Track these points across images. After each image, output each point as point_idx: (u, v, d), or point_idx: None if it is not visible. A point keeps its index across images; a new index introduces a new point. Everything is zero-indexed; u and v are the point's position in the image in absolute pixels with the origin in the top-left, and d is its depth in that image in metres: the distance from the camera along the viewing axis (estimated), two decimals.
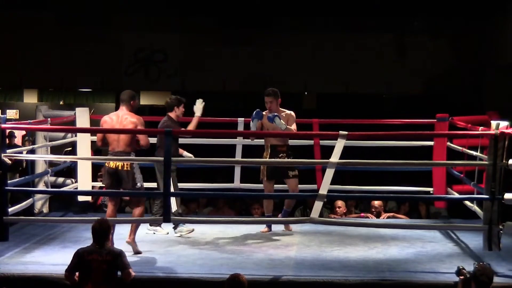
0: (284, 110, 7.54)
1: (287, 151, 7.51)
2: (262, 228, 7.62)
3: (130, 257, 5.55)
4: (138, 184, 6.57)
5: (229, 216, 8.84)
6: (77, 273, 5.38)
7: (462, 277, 5.18)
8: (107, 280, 5.30)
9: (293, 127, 7.47)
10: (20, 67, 13.41)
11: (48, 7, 13.32)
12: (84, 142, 8.30)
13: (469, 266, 5.58)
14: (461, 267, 5.24)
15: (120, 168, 6.51)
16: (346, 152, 6.33)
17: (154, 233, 7.48)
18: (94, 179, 8.59)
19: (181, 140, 7.93)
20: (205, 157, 7.27)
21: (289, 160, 7.45)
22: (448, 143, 8.06)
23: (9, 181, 6.49)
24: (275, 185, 7.67)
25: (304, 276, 5.87)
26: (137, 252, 6.54)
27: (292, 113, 7.54)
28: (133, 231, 6.61)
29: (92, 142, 8.55)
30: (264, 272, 5.92)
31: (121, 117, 6.62)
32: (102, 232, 5.43)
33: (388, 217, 8.67)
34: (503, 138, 6.07)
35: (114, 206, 6.70)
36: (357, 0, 12.98)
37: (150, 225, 7.51)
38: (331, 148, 6.36)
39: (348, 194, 8.22)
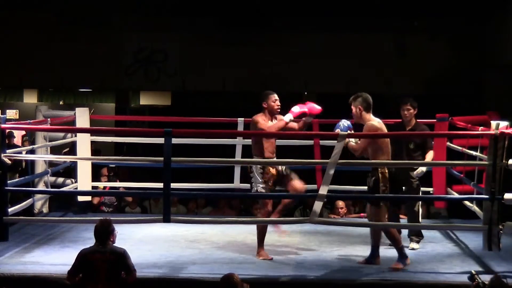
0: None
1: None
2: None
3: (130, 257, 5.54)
4: (254, 189, 6.59)
5: (229, 216, 8.85)
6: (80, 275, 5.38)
7: (475, 282, 5.09)
8: (110, 280, 5.28)
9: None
10: (20, 67, 13.40)
11: (49, 7, 13.31)
12: (84, 142, 8.29)
13: (469, 267, 5.60)
14: (474, 272, 5.14)
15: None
16: (346, 152, 6.33)
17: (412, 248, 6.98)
18: (94, 179, 8.58)
19: (181, 140, 7.93)
20: (205, 157, 7.25)
21: (290, 160, 7.27)
22: (448, 143, 8.05)
23: (9, 181, 6.49)
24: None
25: (304, 276, 5.87)
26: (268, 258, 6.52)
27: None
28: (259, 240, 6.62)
29: (92, 142, 8.55)
30: (264, 272, 5.92)
31: None
32: (104, 231, 5.42)
33: None
34: (503, 138, 6.06)
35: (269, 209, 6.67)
36: (357, 0, 12.97)
37: (412, 241, 7.05)
38: (331, 148, 6.35)
39: (348, 194, 8.20)
